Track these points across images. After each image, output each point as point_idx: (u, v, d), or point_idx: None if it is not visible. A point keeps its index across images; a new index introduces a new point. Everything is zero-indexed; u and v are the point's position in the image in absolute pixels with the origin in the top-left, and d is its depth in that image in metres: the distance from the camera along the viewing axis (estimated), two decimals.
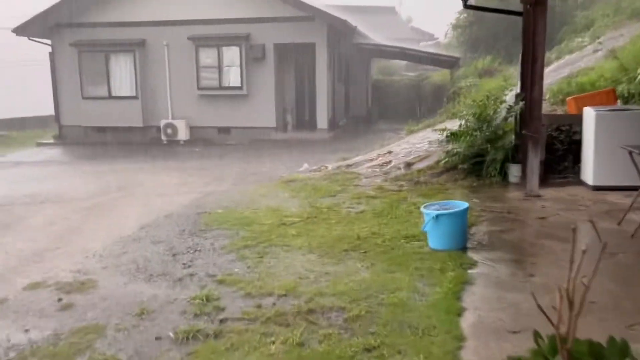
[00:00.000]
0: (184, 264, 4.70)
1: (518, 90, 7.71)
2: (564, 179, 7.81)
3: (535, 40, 6.36)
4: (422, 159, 8.76)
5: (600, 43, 12.66)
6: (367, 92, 23.49)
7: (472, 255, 4.61)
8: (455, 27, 19.29)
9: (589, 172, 6.98)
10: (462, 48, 19.76)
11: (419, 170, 8.25)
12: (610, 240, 2.27)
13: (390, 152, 9.57)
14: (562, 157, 8.27)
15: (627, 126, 6.74)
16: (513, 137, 7.68)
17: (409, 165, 8.57)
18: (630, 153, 5.40)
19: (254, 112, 17.32)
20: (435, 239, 4.72)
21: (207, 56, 17.29)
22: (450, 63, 16.50)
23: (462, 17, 19.02)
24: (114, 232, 5.86)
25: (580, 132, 8.27)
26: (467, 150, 7.94)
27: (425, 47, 27.34)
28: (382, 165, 8.88)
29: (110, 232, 5.90)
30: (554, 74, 11.65)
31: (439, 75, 22.34)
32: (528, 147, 6.61)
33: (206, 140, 17.60)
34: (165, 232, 5.75)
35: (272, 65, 17.14)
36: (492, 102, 7.84)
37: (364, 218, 5.94)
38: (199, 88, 17.45)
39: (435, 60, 17.36)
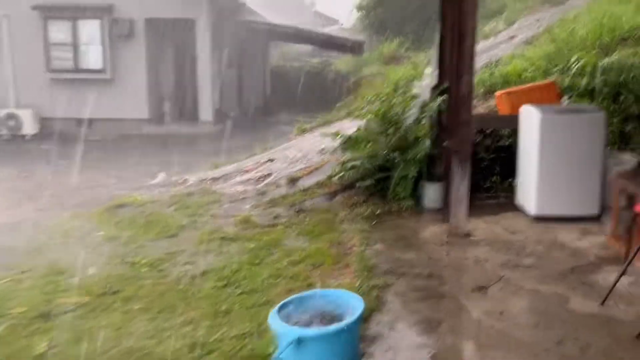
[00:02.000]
0: None
1: (434, 81, 5.66)
2: (493, 199, 5.90)
3: (462, 7, 4.27)
4: (311, 171, 6.51)
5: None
6: (265, 79, 21.00)
7: None
8: (359, 8, 17.30)
9: (529, 197, 5.08)
10: (367, 32, 17.84)
11: (305, 190, 5.99)
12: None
13: (272, 161, 7.23)
14: (488, 169, 6.37)
15: (582, 135, 4.89)
16: (428, 144, 5.62)
17: (292, 180, 6.28)
18: None
19: (121, 101, 14.25)
20: None
21: (60, 31, 13.93)
22: (352, 47, 14.45)
23: None
24: None
25: (508, 136, 6.44)
26: (368, 162, 5.79)
27: (330, 31, 25.25)
28: (258, 180, 6.53)
29: None
30: None
31: (342, 62, 20.36)
32: (452, 165, 4.54)
33: (62, 135, 14.22)
34: None
35: (143, 44, 14.16)
36: (401, 96, 5.74)
37: (198, 295, 3.56)
38: (49, 70, 14.08)
39: (334, 43, 15.29)
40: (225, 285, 3.67)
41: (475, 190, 6.04)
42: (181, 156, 10.93)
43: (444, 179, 4.78)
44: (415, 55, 11.25)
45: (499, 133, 6.50)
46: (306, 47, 27.95)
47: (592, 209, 4.90)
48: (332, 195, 5.88)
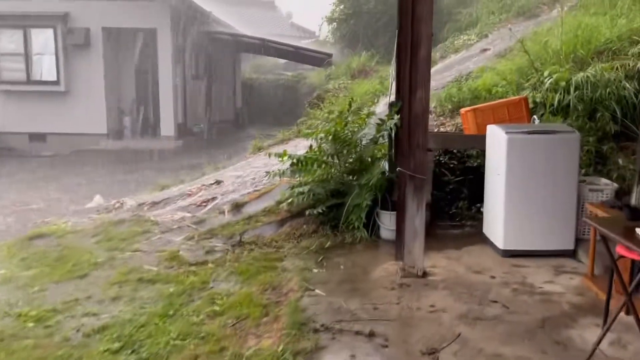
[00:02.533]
0: None
1: (393, 97, 5.07)
2: (458, 228, 5.31)
3: (416, 13, 3.68)
4: (259, 195, 5.84)
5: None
6: (235, 91, 20.34)
7: None
8: (330, 20, 16.77)
9: (496, 228, 4.48)
10: (339, 45, 17.31)
11: (249, 218, 5.31)
12: None
13: (219, 183, 6.54)
14: (454, 192, 5.79)
15: (555, 158, 4.31)
16: (386, 166, 5.01)
17: (237, 206, 5.60)
18: None
19: (77, 114, 13.45)
20: None
21: (10, 40, 13.14)
22: (319, 60, 13.88)
23: (337, 9, 16.53)
24: None
25: (477, 156, 5.87)
26: (319, 187, 5.15)
27: (306, 44, 24.75)
28: (200, 205, 5.83)
29: None
30: (439, 76, 9.37)
31: (316, 75, 19.81)
32: (406, 194, 3.92)
33: (12, 151, 13.41)
34: None
35: (100, 54, 13.41)
36: (355, 114, 5.13)
37: None
38: None
39: (301, 55, 14.68)
40: (120, 349, 2.96)
41: (439, 217, 5.47)
42: (132, 174, 10.22)
43: (400, 208, 4.15)
44: (384, 69, 10.70)
45: (467, 152, 5.94)
46: (280, 60, 27.50)
47: (566, 244, 4.32)
48: (279, 224, 5.21)
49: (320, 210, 5.03)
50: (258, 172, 6.74)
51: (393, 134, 4.77)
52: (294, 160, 5.19)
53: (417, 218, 3.94)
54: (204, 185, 6.56)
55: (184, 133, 14.78)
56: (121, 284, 3.94)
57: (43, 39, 13.07)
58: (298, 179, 5.33)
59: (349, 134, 5.15)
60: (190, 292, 3.80)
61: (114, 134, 13.83)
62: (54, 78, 13.23)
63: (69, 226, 5.45)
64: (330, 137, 5.06)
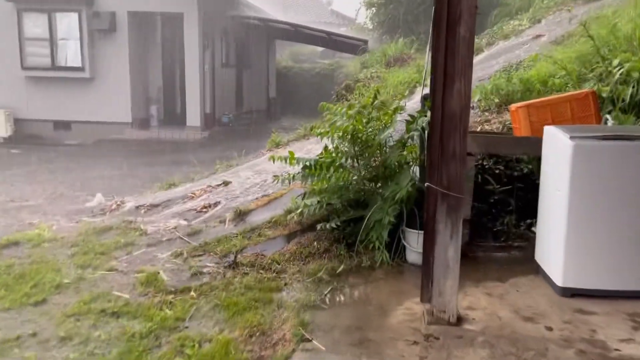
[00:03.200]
0: None
1: (428, 89, 4.14)
2: (504, 251, 4.35)
3: None
4: (268, 201, 5.03)
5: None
6: (269, 80, 19.60)
7: None
8: (368, 4, 15.73)
9: (554, 258, 3.51)
10: (378, 31, 16.27)
11: (252, 230, 4.51)
12: None
13: (226, 184, 5.77)
14: (498, 204, 4.82)
15: (634, 171, 3.31)
16: (417, 174, 4.10)
17: (241, 214, 4.81)
18: None
19: (101, 102, 13.01)
20: None
21: (35, 25, 12.74)
22: (353, 47, 12.92)
23: None
24: None
25: (528, 161, 4.88)
26: (334, 197, 4.29)
27: (344, 32, 23.75)
28: (200, 211, 5.08)
29: None
30: (484, 65, 8.30)
31: (354, 64, 18.83)
32: (436, 216, 3.01)
33: (37, 139, 13.12)
34: None
35: (126, 40, 12.86)
36: (378, 110, 4.21)
37: None
38: (24, 67, 12.90)
39: (333, 42, 13.74)
40: None
41: (479, 235, 4.52)
42: (149, 167, 9.61)
43: (428, 234, 3.25)
44: (423, 57, 9.67)
45: (515, 157, 4.94)
46: (318, 48, 26.66)
47: None
48: (286, 239, 4.39)
49: (334, 225, 4.17)
50: (271, 172, 5.92)
51: (425, 135, 3.87)
52: (306, 164, 4.34)
53: (450, 248, 3.02)
54: (209, 186, 5.79)
55: (212, 124, 14.16)
56: (79, 317, 3.21)
57: (68, 24, 12.64)
58: (311, 185, 4.48)
59: (372, 133, 4.25)
60: (158, 332, 3.02)
61: (138, 123, 13.32)
62: (79, 64, 12.80)
63: (51, 232, 4.78)
64: (348, 137, 4.18)
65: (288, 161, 4.20)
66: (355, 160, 4.36)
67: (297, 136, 7.40)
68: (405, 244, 4.05)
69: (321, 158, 4.43)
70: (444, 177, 2.99)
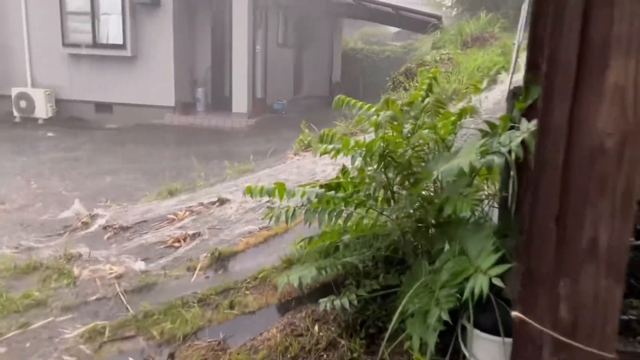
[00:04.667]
0: None
1: (515, 78, 2.34)
2: None
3: None
4: (263, 240, 3.43)
5: None
6: (333, 63, 17.90)
7: None
8: None
9: None
10: (458, 8, 14.09)
11: (226, 291, 2.92)
12: None
13: (222, 203, 4.21)
14: None
15: None
16: (494, 219, 2.32)
17: (220, 259, 3.24)
18: None
19: (143, 84, 11.93)
20: None
21: None
22: (422, 24, 10.91)
23: None
24: None
25: None
26: (348, 252, 2.60)
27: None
28: (171, 245, 3.55)
29: None
30: None
31: (427, 45, 16.75)
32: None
33: (78, 121, 12.28)
34: None
35: (171, 15, 11.62)
36: (437, 109, 2.42)
37: None
38: (65, 44, 12.01)
39: (401, 18, 11.73)
40: None
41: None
42: (177, 161, 8.29)
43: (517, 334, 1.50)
44: (510, 37, 7.60)
45: None
46: (391, 29, 24.59)
47: None
48: (273, 314, 2.76)
49: (347, 304, 2.48)
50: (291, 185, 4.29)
51: (511, 166, 2.09)
52: (311, 197, 2.66)
53: None
54: (200, 204, 4.25)
55: (261, 110, 12.72)
56: None
57: None
58: (321, 227, 2.80)
59: (419, 152, 2.49)
60: None
61: (181, 108, 12.12)
62: (120, 41, 11.72)
63: None
64: (375, 158, 2.45)
65: (278, 194, 2.53)
66: (389, 192, 2.63)
67: (343, 131, 5.70)
68: (466, 353, 2.29)
69: (334, 184, 2.75)
70: (565, 300, 1.21)
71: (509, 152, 2.14)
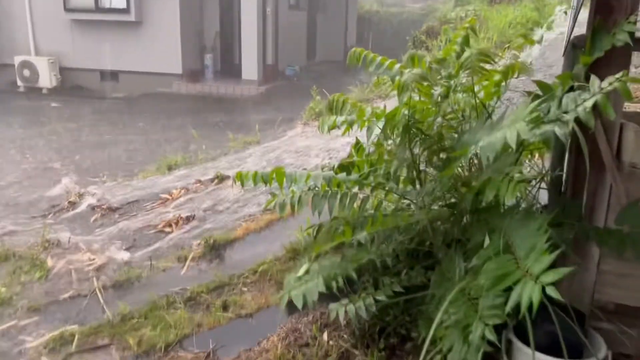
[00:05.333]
0: None
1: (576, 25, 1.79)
2: None
3: None
4: (265, 225, 2.96)
5: None
6: (347, 26, 17.10)
7: None
8: None
9: None
10: None
11: (219, 287, 2.48)
12: None
13: (221, 180, 3.74)
14: None
15: None
16: (541, 224, 1.80)
17: (213, 248, 2.78)
18: None
19: (150, 50, 11.39)
20: None
21: None
22: None
23: None
24: None
25: None
26: (364, 252, 2.12)
27: None
28: (162, 230, 3.11)
29: None
30: None
31: (448, 7, 15.86)
32: None
33: (83, 90, 11.84)
34: None
35: None
36: (476, 67, 1.89)
37: None
38: (67, 9, 11.47)
39: None
40: None
41: None
42: (181, 131, 7.83)
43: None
44: None
45: None
46: None
47: None
48: (274, 317, 2.31)
49: (364, 310, 2.02)
50: (298, 160, 3.81)
51: (581, 139, 1.57)
52: (317, 183, 2.16)
53: None
54: (198, 181, 3.79)
55: (273, 77, 12.13)
56: None
57: None
58: (332, 214, 2.31)
59: (452, 123, 1.98)
60: None
61: (189, 75, 11.58)
62: (124, 5, 11.14)
63: None
64: (398, 130, 1.94)
65: (267, 181, 2.04)
66: (413, 172, 2.13)
67: (358, 98, 5.14)
68: None
69: (347, 164, 2.26)
70: None
71: (578, 122, 1.63)
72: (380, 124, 1.90)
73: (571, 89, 1.88)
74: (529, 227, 1.72)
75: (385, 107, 2.14)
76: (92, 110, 10.03)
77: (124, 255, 2.87)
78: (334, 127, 1.99)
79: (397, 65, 2.09)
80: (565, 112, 1.73)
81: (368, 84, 9.60)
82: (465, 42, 2.10)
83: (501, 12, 5.99)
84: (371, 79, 8.17)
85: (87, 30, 11.62)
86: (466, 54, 1.85)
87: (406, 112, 1.81)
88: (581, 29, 1.99)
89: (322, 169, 2.31)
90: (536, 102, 1.70)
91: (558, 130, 1.68)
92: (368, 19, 19.26)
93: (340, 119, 1.97)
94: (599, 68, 1.89)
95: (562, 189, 2.10)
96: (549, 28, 5.10)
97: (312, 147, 4.21)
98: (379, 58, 2.10)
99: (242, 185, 2.19)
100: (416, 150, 2.02)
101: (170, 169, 4.70)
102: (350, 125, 1.95)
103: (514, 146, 1.44)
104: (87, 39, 11.68)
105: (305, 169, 3.16)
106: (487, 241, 1.86)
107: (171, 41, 11.30)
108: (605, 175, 1.92)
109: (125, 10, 11.19)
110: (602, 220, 1.96)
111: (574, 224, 1.94)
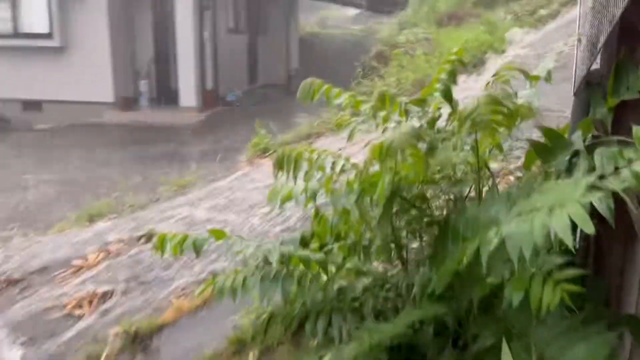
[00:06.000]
0: None
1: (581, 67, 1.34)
2: None
3: None
4: (201, 303, 2.35)
5: None
6: (289, 50, 16.73)
7: None
8: None
9: None
10: None
11: None
12: None
13: (148, 239, 3.11)
14: None
15: None
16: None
17: (139, 339, 2.17)
18: None
19: (77, 77, 10.54)
20: None
21: None
22: (389, 4, 9.95)
23: None
24: None
25: None
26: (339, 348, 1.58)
27: None
28: (70, 313, 2.46)
29: None
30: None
31: (389, 28, 15.81)
32: None
33: (5, 122, 10.76)
34: None
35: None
36: (479, 125, 1.42)
37: None
38: None
39: None
40: None
41: None
42: (109, 168, 7.08)
43: None
44: (489, 13, 6.69)
45: None
46: (350, 12, 23.67)
47: None
48: None
49: None
50: (243, 208, 3.25)
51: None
52: (271, 257, 1.62)
53: None
54: (120, 240, 3.16)
55: (213, 103, 11.52)
56: None
57: None
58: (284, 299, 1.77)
59: (443, 179, 1.50)
60: None
61: (122, 103, 10.79)
62: (46, 29, 10.27)
63: None
64: (376, 199, 1.44)
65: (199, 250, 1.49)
66: (395, 250, 1.63)
67: (296, 136, 4.64)
68: None
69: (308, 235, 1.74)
70: None
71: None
72: (352, 195, 1.41)
73: (594, 138, 1.46)
74: (569, 335, 1.25)
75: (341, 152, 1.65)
76: (12, 144, 9.07)
77: (16, 356, 2.21)
78: (289, 198, 1.49)
79: (367, 106, 1.62)
80: (602, 177, 1.29)
81: (314, 109, 9.14)
82: (451, 78, 1.64)
83: (451, 35, 5.72)
84: (318, 106, 7.73)
85: (6, 58, 10.62)
86: (477, 104, 1.37)
87: (390, 180, 1.32)
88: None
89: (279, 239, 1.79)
90: (591, 177, 1.23)
91: (598, 203, 1.22)
92: (309, 42, 19.03)
93: (298, 188, 1.47)
94: (626, 112, 1.48)
95: (580, 260, 1.67)
96: (502, 49, 4.86)
97: (259, 189, 3.67)
98: (345, 95, 1.62)
99: (162, 255, 1.63)
100: (398, 223, 1.53)
101: (91, 219, 4.02)
102: (310, 197, 1.45)
103: (569, 242, 0.97)
104: (6, 67, 10.66)
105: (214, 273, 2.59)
106: (504, 349, 1.37)
107: (101, 67, 10.50)
108: (636, 249, 1.51)
109: (48, 35, 10.34)
110: (632, 304, 1.54)
111: (601, 311, 1.51)
